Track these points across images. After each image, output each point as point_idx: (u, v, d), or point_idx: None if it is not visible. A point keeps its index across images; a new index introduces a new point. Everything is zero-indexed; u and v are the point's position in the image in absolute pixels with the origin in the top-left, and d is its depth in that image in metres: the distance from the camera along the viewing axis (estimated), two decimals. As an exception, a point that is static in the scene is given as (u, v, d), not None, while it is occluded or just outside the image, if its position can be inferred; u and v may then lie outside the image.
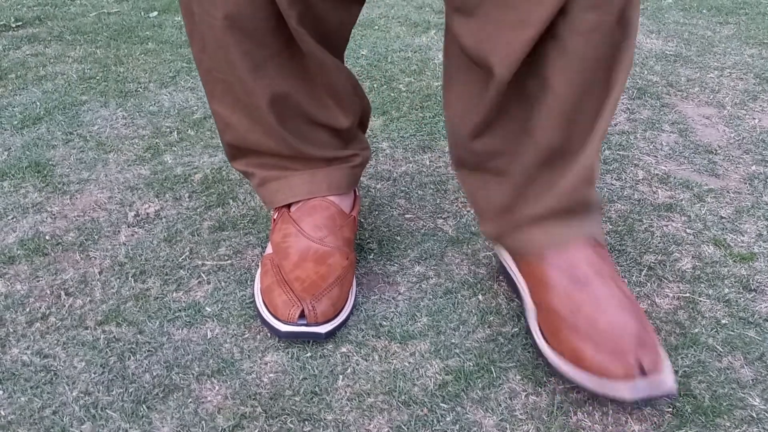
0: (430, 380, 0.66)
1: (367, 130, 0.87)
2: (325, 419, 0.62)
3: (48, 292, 0.77)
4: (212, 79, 0.70)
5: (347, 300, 0.72)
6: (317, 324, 0.67)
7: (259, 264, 0.77)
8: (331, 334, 0.69)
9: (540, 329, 0.65)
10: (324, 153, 0.75)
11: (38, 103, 1.22)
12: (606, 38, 0.56)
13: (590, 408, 0.63)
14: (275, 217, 0.77)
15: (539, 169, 0.64)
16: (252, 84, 0.67)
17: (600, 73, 0.58)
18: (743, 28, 1.65)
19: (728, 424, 0.61)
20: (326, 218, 0.73)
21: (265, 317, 0.69)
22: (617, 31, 0.56)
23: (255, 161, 0.75)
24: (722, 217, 0.91)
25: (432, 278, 0.80)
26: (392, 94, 1.27)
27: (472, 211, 0.92)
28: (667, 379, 0.57)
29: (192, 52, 0.73)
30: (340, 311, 0.70)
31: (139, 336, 0.71)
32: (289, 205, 0.75)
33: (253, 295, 0.76)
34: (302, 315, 0.67)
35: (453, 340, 0.71)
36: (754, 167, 1.03)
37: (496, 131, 0.65)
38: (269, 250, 0.75)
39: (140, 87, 1.29)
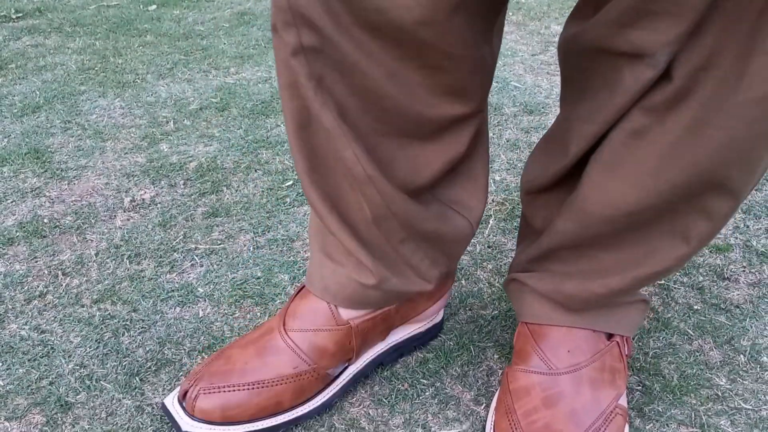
0: (412, 357, 0.69)
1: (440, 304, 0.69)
2: (310, 393, 0.65)
3: (46, 271, 0.80)
4: None
5: (262, 413, 0.57)
6: (188, 412, 0.56)
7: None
8: None
9: (494, 408, 0.61)
10: (344, 240, 0.56)
11: (38, 93, 1.24)
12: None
13: (564, 385, 0.66)
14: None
15: (550, 252, 0.59)
16: None
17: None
18: None
19: (695, 401, 0.64)
20: (309, 312, 0.60)
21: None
22: None
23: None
24: (701, 210, 0.94)
25: (418, 264, 0.83)
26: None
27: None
28: None
29: None
30: (234, 422, 0.56)
31: (133, 314, 0.74)
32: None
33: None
34: (186, 396, 0.57)
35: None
36: (734, 163, 1.06)
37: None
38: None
39: (138, 78, 1.31)
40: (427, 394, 0.65)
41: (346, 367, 0.62)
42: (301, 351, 0.59)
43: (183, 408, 0.57)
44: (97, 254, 0.83)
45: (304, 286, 0.62)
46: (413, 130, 0.52)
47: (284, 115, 0.50)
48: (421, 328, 0.67)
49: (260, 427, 0.57)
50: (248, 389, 0.57)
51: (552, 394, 0.57)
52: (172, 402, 0.58)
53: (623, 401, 0.58)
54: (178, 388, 0.59)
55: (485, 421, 0.62)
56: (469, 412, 0.63)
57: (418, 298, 0.65)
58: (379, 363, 0.65)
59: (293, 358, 0.58)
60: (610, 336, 0.61)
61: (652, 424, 0.62)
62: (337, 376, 0.62)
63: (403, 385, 0.66)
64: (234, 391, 0.56)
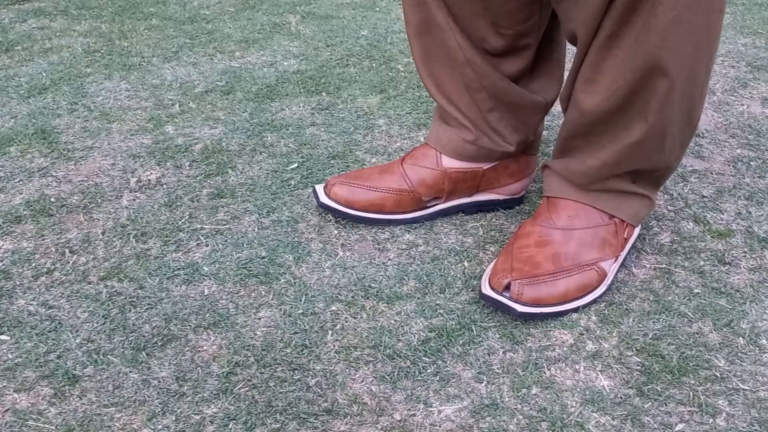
0: (414, 337, 0.70)
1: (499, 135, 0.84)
2: (313, 369, 0.66)
3: (53, 249, 0.81)
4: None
5: (368, 210, 0.84)
6: (326, 194, 0.84)
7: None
8: (325, 208, 0.84)
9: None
10: (450, 108, 0.82)
11: (44, 74, 1.25)
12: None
13: (563, 365, 0.67)
14: None
15: (562, 138, 0.78)
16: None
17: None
18: (739, 17, 1.67)
19: (693, 381, 0.65)
20: (420, 154, 0.85)
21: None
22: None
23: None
24: (704, 196, 0.94)
25: (421, 246, 0.83)
26: (390, 74, 1.30)
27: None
28: (511, 303, 0.72)
29: None
30: (353, 208, 0.84)
31: (139, 291, 0.75)
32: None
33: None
34: (327, 185, 0.85)
35: (438, 302, 0.74)
36: (738, 150, 1.06)
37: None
38: None
39: (143, 61, 1.32)
40: (428, 371, 0.66)
41: (435, 205, 0.86)
42: (407, 177, 0.84)
43: (324, 192, 0.84)
44: (103, 233, 0.84)
45: (422, 145, 0.86)
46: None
47: (408, 28, 0.80)
48: (500, 197, 0.89)
49: (365, 215, 0.85)
50: (365, 189, 0.84)
51: (544, 239, 0.74)
52: (318, 187, 0.85)
53: (608, 267, 0.75)
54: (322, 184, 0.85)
55: (484, 396, 0.63)
56: (469, 389, 0.64)
57: (502, 172, 0.87)
58: (460, 209, 0.88)
59: (400, 180, 0.84)
60: (611, 218, 0.76)
61: (650, 403, 0.63)
62: (429, 208, 0.86)
63: (405, 363, 0.67)
64: (357, 187, 0.84)
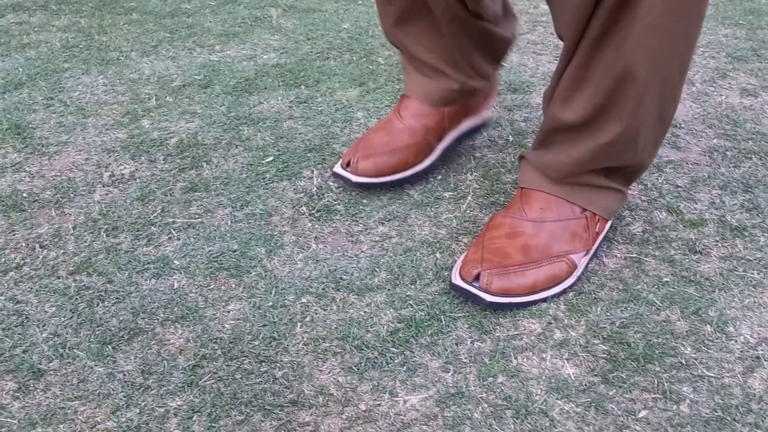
0: (383, 327, 0.70)
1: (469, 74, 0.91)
2: (281, 361, 0.66)
3: (23, 244, 0.81)
4: None
5: (396, 171, 0.87)
6: (354, 174, 0.86)
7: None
8: (362, 186, 0.87)
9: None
10: (433, 62, 0.87)
11: (21, 70, 1.24)
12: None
13: (530, 353, 0.67)
14: None
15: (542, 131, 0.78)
16: None
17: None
18: (721, 9, 1.67)
19: (658, 369, 0.65)
20: (415, 107, 0.90)
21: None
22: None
23: (401, 56, 0.93)
24: (678, 186, 0.94)
25: (394, 238, 0.83)
26: (371, 67, 1.29)
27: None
28: (480, 294, 0.73)
29: None
30: (383, 175, 0.87)
31: (108, 285, 0.74)
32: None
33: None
34: (349, 164, 0.86)
35: (408, 293, 0.74)
36: (715, 141, 1.07)
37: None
38: None
39: (122, 56, 1.31)
40: (395, 362, 0.66)
41: (437, 146, 0.92)
42: (416, 129, 0.89)
43: (348, 171, 0.86)
44: (74, 227, 0.84)
45: (403, 96, 0.91)
46: None
47: None
48: (477, 122, 0.97)
49: (396, 177, 0.88)
50: (389, 153, 0.87)
51: (515, 231, 0.74)
52: (339, 169, 0.87)
53: (578, 260, 0.75)
54: (338, 164, 0.88)
55: (450, 385, 0.63)
56: (436, 379, 0.64)
57: (481, 98, 0.95)
58: (458, 142, 0.96)
59: (409, 133, 0.88)
60: (583, 211, 0.76)
61: (615, 390, 0.63)
62: (435, 150, 0.92)
63: (373, 354, 0.67)
64: (380, 155, 0.86)
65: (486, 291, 0.70)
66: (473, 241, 0.78)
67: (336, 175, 0.88)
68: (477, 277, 0.71)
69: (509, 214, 0.77)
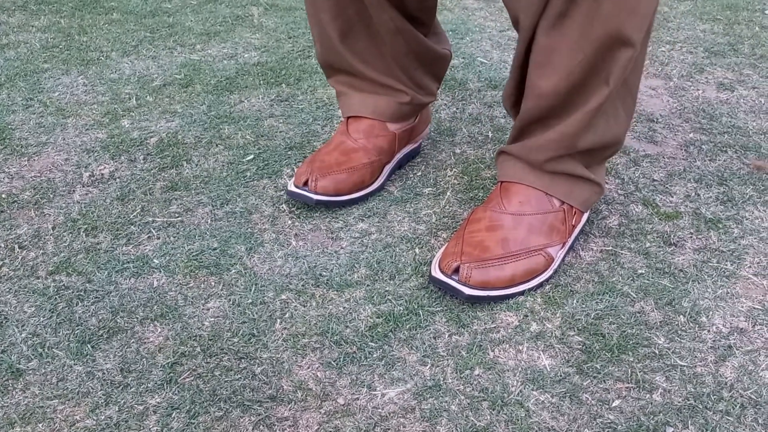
0: (362, 323, 0.70)
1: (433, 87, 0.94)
2: (260, 357, 0.66)
3: (2, 245, 0.81)
4: None
5: (355, 189, 0.88)
6: (313, 192, 0.85)
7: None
8: (322, 203, 0.85)
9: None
10: (380, 78, 0.89)
11: None
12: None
13: (507, 346, 0.68)
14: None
15: (520, 122, 0.78)
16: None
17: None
18: (699, 4, 1.69)
19: (632, 359, 0.66)
20: (367, 127, 0.91)
21: (288, 181, 0.91)
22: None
23: (335, 79, 0.93)
24: (654, 180, 0.96)
25: (374, 234, 0.84)
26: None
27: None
28: (459, 287, 0.73)
29: None
30: (342, 194, 0.87)
31: (87, 285, 0.75)
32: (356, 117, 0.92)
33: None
34: (306, 183, 0.85)
35: (387, 288, 0.75)
36: (691, 135, 1.08)
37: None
38: None
39: (102, 56, 1.31)
40: (374, 356, 0.66)
41: (386, 168, 0.93)
42: (370, 149, 0.90)
43: (307, 189, 0.85)
44: (54, 228, 0.84)
45: (349, 118, 0.92)
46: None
47: (320, 14, 0.84)
48: (414, 146, 0.98)
49: (354, 196, 0.88)
50: (347, 172, 0.87)
51: (495, 224, 0.76)
52: (294, 188, 0.86)
53: (555, 253, 0.76)
54: (291, 181, 0.87)
55: (428, 378, 0.64)
56: (414, 372, 0.65)
57: (421, 120, 0.98)
58: (400, 165, 0.96)
59: (366, 153, 0.89)
60: (561, 204, 0.78)
61: (589, 381, 0.64)
62: (383, 171, 0.92)
63: (351, 349, 0.67)
64: (338, 173, 0.86)
65: (465, 284, 0.71)
66: (453, 235, 0.79)
67: (292, 194, 0.85)
68: (456, 270, 0.72)
69: (489, 207, 0.78)
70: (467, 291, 0.71)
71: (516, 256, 0.73)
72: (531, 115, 0.75)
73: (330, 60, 0.89)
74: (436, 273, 0.73)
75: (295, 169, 0.95)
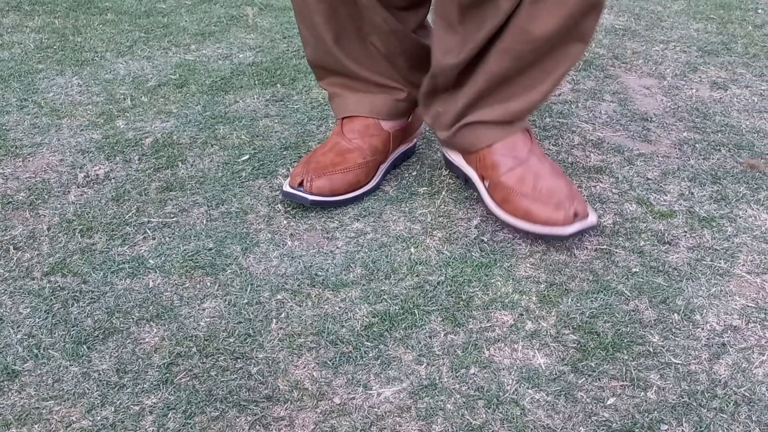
0: (358, 322, 0.70)
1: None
2: (256, 357, 0.66)
3: (-3, 246, 0.80)
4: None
5: (351, 189, 0.88)
6: (308, 193, 0.85)
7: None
8: (318, 204, 0.86)
9: (493, 200, 0.84)
10: (375, 78, 0.90)
11: (-6, 71, 1.23)
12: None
13: (502, 345, 0.68)
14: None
15: (490, 90, 0.82)
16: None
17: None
18: (693, 3, 1.70)
19: (626, 357, 0.67)
20: (362, 127, 0.91)
21: (283, 181, 0.92)
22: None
23: (328, 80, 0.92)
24: (648, 179, 0.96)
25: (369, 233, 0.84)
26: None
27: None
28: (592, 218, 0.80)
29: None
30: (338, 194, 0.87)
31: (83, 285, 0.75)
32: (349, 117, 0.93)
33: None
34: (302, 184, 0.85)
35: (383, 288, 0.75)
36: (685, 133, 1.09)
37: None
38: None
39: (97, 56, 1.31)
40: (370, 355, 0.67)
41: (381, 168, 0.93)
42: (365, 149, 0.90)
43: (302, 189, 0.85)
44: (49, 229, 0.84)
45: (344, 119, 0.92)
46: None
47: (314, 16, 0.84)
48: (408, 146, 0.99)
49: (349, 196, 0.88)
50: (342, 172, 0.87)
51: (533, 173, 0.82)
52: (290, 189, 0.86)
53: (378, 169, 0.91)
54: (286, 181, 0.87)
55: (423, 377, 0.64)
56: (409, 371, 0.65)
57: (414, 119, 0.97)
58: (395, 165, 0.97)
59: (360, 153, 0.89)
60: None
61: (584, 379, 0.64)
62: (379, 172, 0.93)
63: (347, 348, 0.68)
64: (333, 174, 0.87)
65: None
66: (501, 200, 0.83)
67: (287, 194, 0.86)
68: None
69: (509, 166, 0.84)
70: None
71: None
72: (507, 70, 0.79)
73: (323, 62, 0.90)
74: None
75: (291, 170, 0.95)
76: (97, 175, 0.94)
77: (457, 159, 0.92)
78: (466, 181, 0.91)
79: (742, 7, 1.64)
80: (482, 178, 0.86)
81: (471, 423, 0.60)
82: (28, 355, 0.66)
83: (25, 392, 0.62)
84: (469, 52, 0.79)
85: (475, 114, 0.84)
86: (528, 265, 0.79)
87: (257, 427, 0.60)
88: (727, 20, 1.56)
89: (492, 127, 0.84)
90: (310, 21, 0.85)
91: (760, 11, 1.62)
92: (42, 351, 0.66)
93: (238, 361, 0.66)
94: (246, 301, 0.73)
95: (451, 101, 0.85)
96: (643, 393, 0.63)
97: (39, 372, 0.64)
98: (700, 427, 0.60)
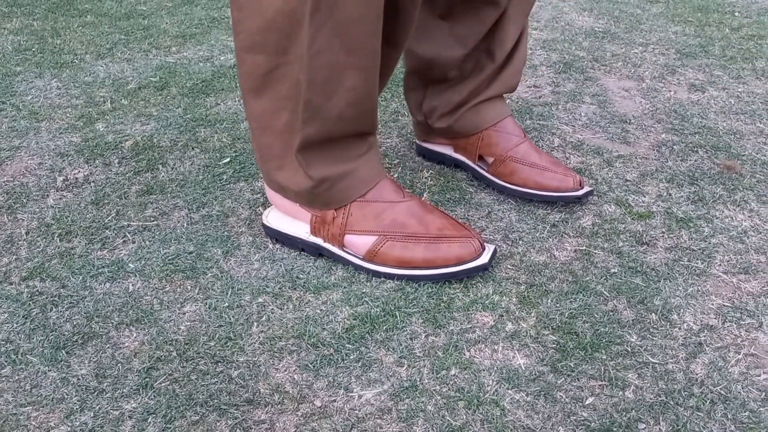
0: (339, 325, 0.70)
1: None
2: (237, 361, 0.66)
3: (-27, 251, 0.79)
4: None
5: None
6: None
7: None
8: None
9: (498, 176, 0.91)
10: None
11: (-29, 73, 1.22)
12: None
13: (482, 346, 0.68)
14: (335, 214, 0.76)
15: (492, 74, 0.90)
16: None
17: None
18: (671, 6, 1.72)
19: (605, 357, 0.67)
20: (396, 186, 0.79)
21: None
22: None
23: (322, 157, 0.74)
24: (627, 180, 0.97)
25: (351, 236, 0.84)
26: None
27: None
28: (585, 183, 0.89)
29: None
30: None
31: (62, 290, 0.74)
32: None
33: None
34: None
35: (364, 290, 0.75)
36: (663, 135, 1.10)
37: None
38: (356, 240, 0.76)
39: (76, 58, 1.29)
40: (351, 358, 0.67)
41: None
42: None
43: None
44: (27, 233, 0.83)
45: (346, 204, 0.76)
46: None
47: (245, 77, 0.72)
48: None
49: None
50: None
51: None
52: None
53: None
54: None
55: (404, 379, 0.64)
56: (390, 373, 0.65)
57: None
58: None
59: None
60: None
61: (563, 379, 0.65)
62: None
63: (328, 351, 0.68)
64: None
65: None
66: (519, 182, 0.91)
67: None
68: None
69: (518, 144, 0.94)
70: None
71: None
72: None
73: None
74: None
75: None
76: (77, 178, 0.93)
77: (440, 148, 0.98)
78: (456, 165, 0.97)
79: (720, 10, 1.67)
80: (480, 158, 0.93)
81: (451, 424, 0.60)
82: (6, 361, 0.65)
83: (2, 398, 0.61)
84: (476, 38, 0.86)
85: (482, 95, 0.90)
86: (508, 266, 0.79)
87: (238, 430, 0.59)
88: (705, 23, 1.58)
89: (496, 103, 0.91)
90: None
91: (737, 14, 1.65)
92: (20, 356, 0.66)
93: (219, 364, 0.66)
94: (227, 304, 0.73)
95: (451, 92, 0.90)
96: (621, 392, 0.64)
97: (17, 377, 0.63)
98: (677, 426, 0.61)
